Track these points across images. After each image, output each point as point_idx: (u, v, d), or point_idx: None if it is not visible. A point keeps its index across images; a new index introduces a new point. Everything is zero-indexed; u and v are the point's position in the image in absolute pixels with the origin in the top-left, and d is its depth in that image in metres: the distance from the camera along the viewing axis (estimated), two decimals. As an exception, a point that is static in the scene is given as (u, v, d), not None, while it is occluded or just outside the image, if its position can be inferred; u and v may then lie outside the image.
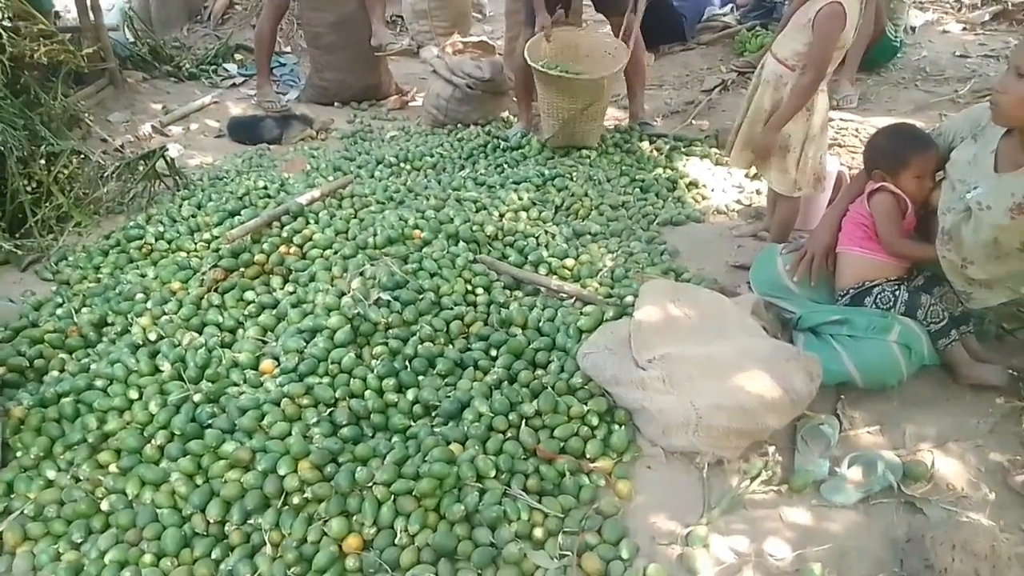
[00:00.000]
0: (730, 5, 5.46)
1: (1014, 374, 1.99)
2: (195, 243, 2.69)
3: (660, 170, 3.41)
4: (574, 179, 3.25)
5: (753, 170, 2.97)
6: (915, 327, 1.99)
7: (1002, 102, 1.80)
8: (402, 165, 3.56)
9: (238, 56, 5.36)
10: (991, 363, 2.03)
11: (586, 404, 1.93)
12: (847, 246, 2.17)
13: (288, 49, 5.23)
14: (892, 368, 1.96)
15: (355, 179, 3.25)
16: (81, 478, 1.78)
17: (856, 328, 2.02)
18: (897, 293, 2.06)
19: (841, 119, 3.65)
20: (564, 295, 2.36)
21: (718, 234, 2.89)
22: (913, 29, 4.78)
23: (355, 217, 2.76)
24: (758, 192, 3.16)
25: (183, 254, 2.65)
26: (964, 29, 4.75)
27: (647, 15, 4.93)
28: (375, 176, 3.43)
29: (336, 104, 4.60)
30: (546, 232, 2.76)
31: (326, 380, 1.98)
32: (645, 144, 3.69)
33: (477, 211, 2.83)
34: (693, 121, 3.98)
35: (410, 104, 4.67)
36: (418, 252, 2.50)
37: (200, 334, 2.20)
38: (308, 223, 2.64)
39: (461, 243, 2.57)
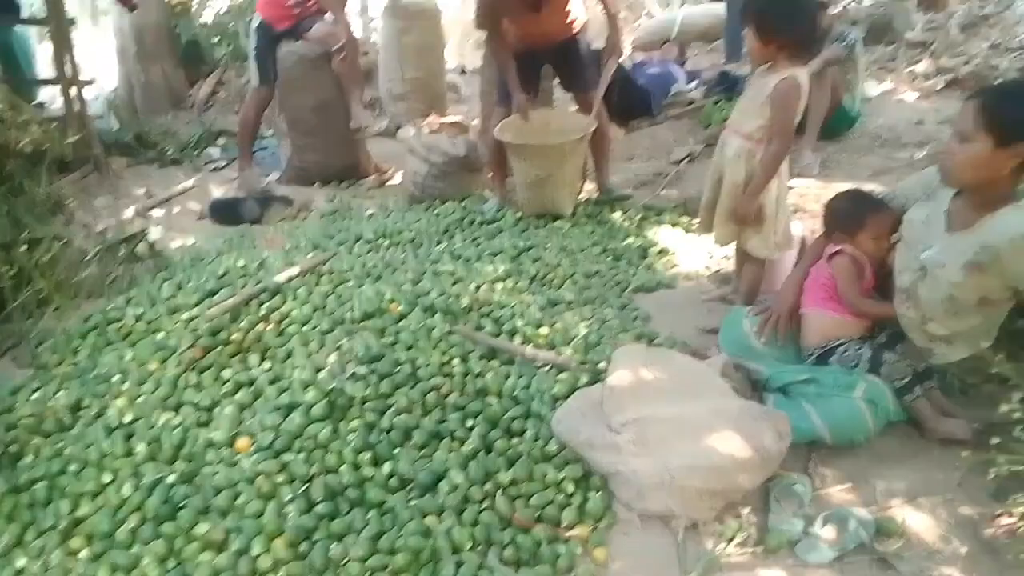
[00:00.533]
0: (695, 81, 5.70)
1: (979, 428, 2.03)
2: (174, 323, 2.72)
3: (632, 238, 3.50)
4: (548, 250, 3.33)
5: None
6: (880, 383, 2.04)
7: (949, 165, 1.90)
8: (380, 241, 3.62)
9: (221, 141, 5.50)
10: (956, 417, 2.07)
11: (561, 471, 1.95)
12: (811, 306, 2.24)
13: (270, 132, 5.38)
14: (859, 425, 2.00)
15: (334, 255, 3.31)
16: (51, 566, 1.76)
17: (823, 386, 2.07)
18: (861, 351, 2.12)
19: (804, 185, 3.78)
20: (539, 363, 2.39)
21: (688, 299, 2.96)
22: (870, 99, 5.00)
23: (333, 293, 2.81)
24: (726, 257, 3.24)
25: (162, 334, 2.67)
26: (919, 97, 4.97)
27: (617, 93, 5.15)
28: (354, 252, 3.49)
29: (317, 184, 4.71)
30: (521, 301, 2.81)
31: (301, 456, 1.98)
32: (617, 215, 3.80)
33: (453, 283, 2.89)
34: (662, 191, 4.11)
35: (389, 182, 4.78)
36: (395, 325, 2.53)
37: (177, 413, 2.21)
38: (286, 300, 2.68)
39: (437, 315, 2.61)
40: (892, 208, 2.18)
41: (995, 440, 1.79)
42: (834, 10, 6.01)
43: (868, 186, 3.01)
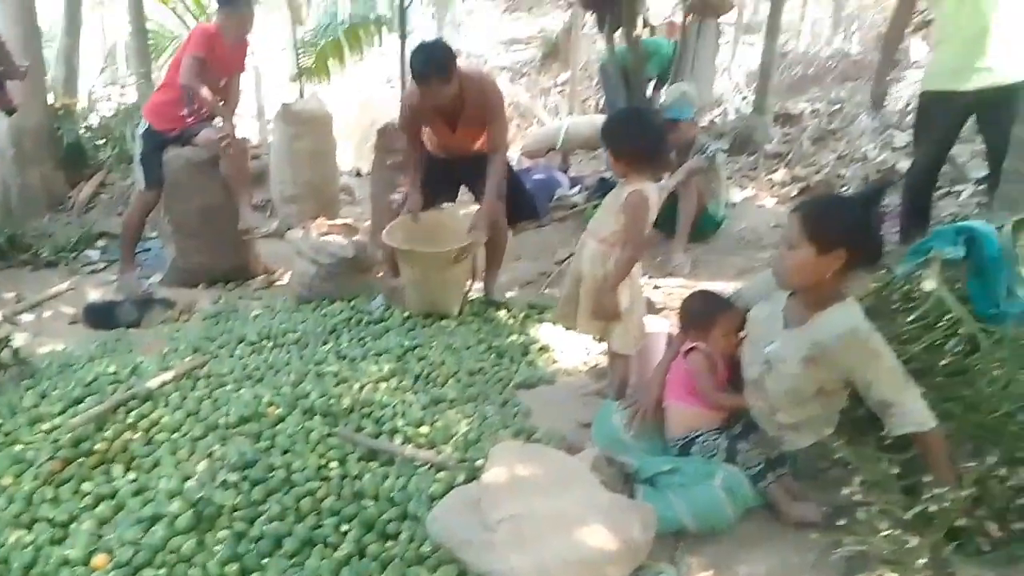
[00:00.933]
0: (577, 186, 6.06)
1: (828, 510, 2.17)
2: (34, 434, 2.58)
3: (515, 336, 3.61)
4: (434, 348, 3.39)
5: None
6: (737, 472, 2.17)
7: (780, 270, 2.11)
8: (264, 342, 3.59)
9: (101, 242, 5.36)
10: (808, 501, 2.22)
11: (435, 573, 1.95)
12: (672, 400, 2.38)
13: (154, 234, 5.29)
14: (720, 512, 2.10)
15: (213, 358, 3.26)
16: None
17: (686, 476, 2.18)
18: (718, 441, 2.25)
19: (675, 284, 4.04)
20: (418, 462, 2.41)
21: (567, 394, 3.07)
22: (734, 205, 5.44)
23: (209, 397, 2.75)
24: (602, 353, 3.39)
25: (20, 446, 2.53)
26: (777, 203, 5.45)
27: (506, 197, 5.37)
28: (235, 354, 3.44)
29: (202, 286, 4.64)
30: (403, 401, 2.84)
31: (163, 571, 1.90)
32: (502, 313, 3.92)
33: (336, 384, 2.89)
34: (545, 290, 4.29)
35: (277, 283, 4.77)
36: (272, 429, 2.50)
37: (30, 531, 2.08)
38: (157, 406, 2.60)
39: (317, 417, 2.60)
40: (738, 307, 2.38)
41: (842, 521, 1.93)
42: (702, 124, 6.60)
43: (733, 284, 3.25)
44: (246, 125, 7.83)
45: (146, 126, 4.51)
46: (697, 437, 2.28)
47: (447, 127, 3.72)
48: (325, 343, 3.61)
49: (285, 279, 4.75)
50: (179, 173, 4.51)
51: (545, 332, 3.67)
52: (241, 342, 3.58)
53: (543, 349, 3.50)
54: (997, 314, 2.56)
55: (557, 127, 8.74)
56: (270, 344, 3.58)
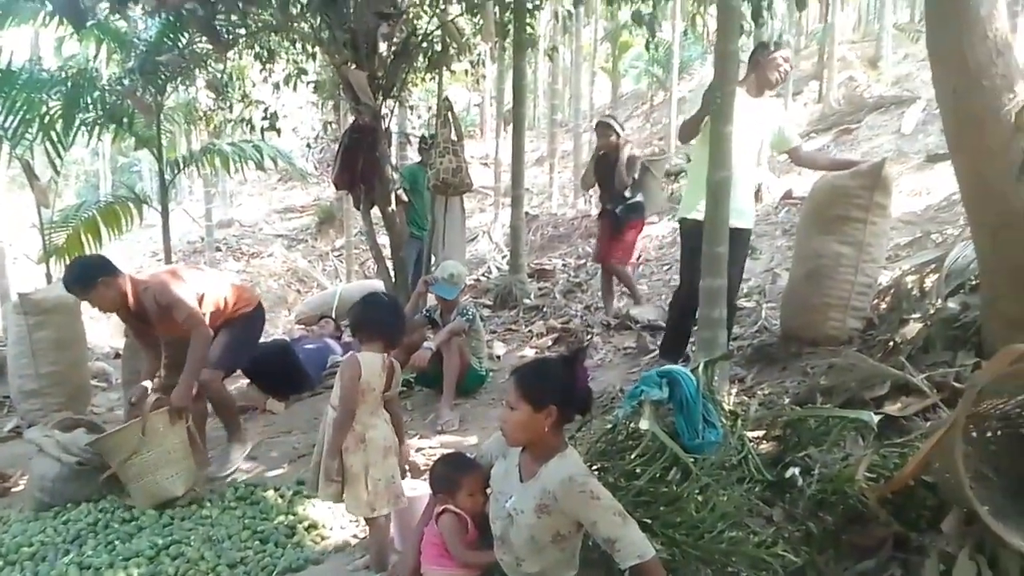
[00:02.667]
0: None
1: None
2: None
3: (282, 516, 3.53)
4: (191, 543, 3.22)
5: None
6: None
7: (506, 429, 2.34)
8: (-10, 564, 3.20)
9: None
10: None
11: None
12: (428, 564, 2.47)
13: None
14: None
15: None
16: None
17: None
18: (472, 600, 2.36)
19: (442, 441, 4.20)
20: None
21: (336, 573, 3.03)
22: (499, 357, 5.83)
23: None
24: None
25: None
26: (536, 352, 5.90)
27: (274, 373, 5.42)
28: (-49, 585, 3.03)
29: (-88, 505, 4.05)
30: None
31: None
32: (270, 492, 3.82)
33: (74, 602, 2.65)
34: (318, 463, 4.24)
35: (13, 490, 4.28)
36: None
37: None
38: None
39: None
40: (482, 465, 2.58)
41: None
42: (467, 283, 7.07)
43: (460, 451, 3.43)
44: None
45: None
46: (453, 598, 2.37)
47: (143, 324, 4.01)
48: (67, 552, 3.30)
49: (22, 484, 4.28)
50: None
51: (314, 509, 3.62)
52: (-41, 568, 3.16)
53: (312, 527, 3.44)
54: (700, 444, 2.99)
55: (332, 293, 8.94)
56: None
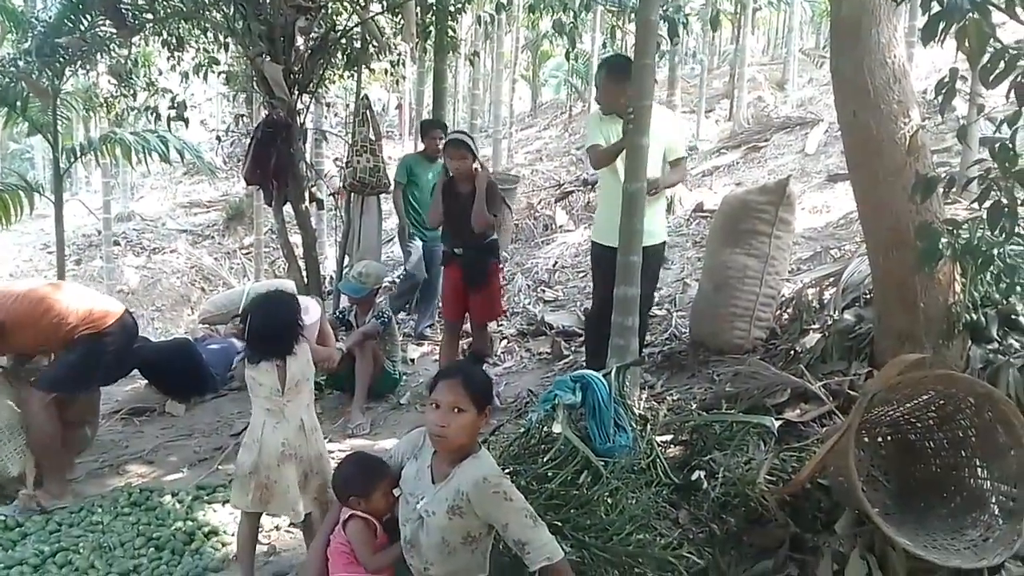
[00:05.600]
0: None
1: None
2: None
3: (180, 523, 3.37)
4: (80, 551, 3.04)
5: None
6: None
7: (448, 433, 2.25)
8: None
9: None
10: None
11: None
12: (337, 573, 2.40)
13: None
14: None
15: None
16: None
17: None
18: (383, 607, 2.31)
19: (352, 445, 4.12)
20: None
21: (236, 580, 2.92)
22: (413, 360, 5.77)
23: None
24: (276, 528, 3.31)
25: None
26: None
27: (174, 373, 5.18)
28: None
29: None
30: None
31: None
32: (167, 498, 3.65)
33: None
34: (219, 466, 4.08)
35: None
36: None
37: None
38: None
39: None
40: (391, 467, 2.53)
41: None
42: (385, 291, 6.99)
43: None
44: None
45: None
46: (363, 607, 2.32)
47: None
48: (-63, 564, 3.05)
49: None
50: None
51: (215, 515, 3.48)
52: None
53: (211, 534, 3.30)
54: (611, 448, 3.05)
55: (239, 292, 8.61)
56: None
